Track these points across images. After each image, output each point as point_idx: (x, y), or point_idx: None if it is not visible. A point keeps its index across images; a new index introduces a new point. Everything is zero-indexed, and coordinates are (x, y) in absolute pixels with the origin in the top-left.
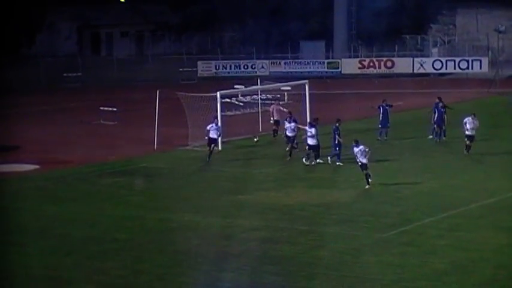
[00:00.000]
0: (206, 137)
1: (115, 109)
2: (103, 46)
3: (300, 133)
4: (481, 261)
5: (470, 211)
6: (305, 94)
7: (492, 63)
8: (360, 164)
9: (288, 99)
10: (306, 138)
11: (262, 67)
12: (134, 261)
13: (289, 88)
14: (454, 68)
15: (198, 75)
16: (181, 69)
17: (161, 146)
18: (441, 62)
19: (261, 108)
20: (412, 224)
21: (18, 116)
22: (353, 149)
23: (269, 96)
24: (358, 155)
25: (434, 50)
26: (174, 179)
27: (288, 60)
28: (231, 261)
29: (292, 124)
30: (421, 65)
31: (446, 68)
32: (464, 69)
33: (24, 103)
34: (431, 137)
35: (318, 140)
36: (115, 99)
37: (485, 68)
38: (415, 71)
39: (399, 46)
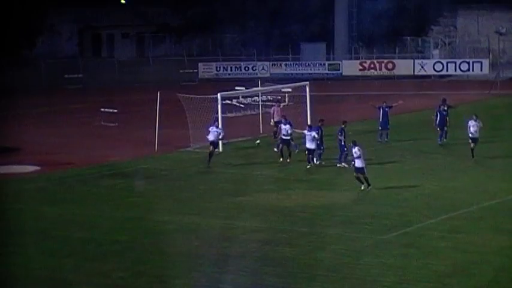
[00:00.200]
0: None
1: (116, 111)
2: (104, 48)
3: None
4: (481, 263)
5: (471, 213)
6: (306, 96)
7: (493, 65)
8: (354, 168)
9: (288, 101)
10: (305, 141)
11: (263, 69)
12: (135, 262)
13: (289, 90)
14: (455, 70)
15: (199, 76)
16: (182, 71)
17: (162, 148)
18: (442, 63)
19: (261, 110)
20: (413, 226)
21: (19, 117)
22: (351, 150)
23: (270, 97)
24: (354, 157)
25: (435, 52)
26: (174, 181)
27: (289, 62)
28: (231, 263)
29: (287, 126)
30: (422, 67)
31: (447, 70)
32: (465, 71)
33: (25, 105)
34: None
35: (321, 142)
36: (116, 100)
37: (486, 70)
38: (415, 73)
39: (400, 48)
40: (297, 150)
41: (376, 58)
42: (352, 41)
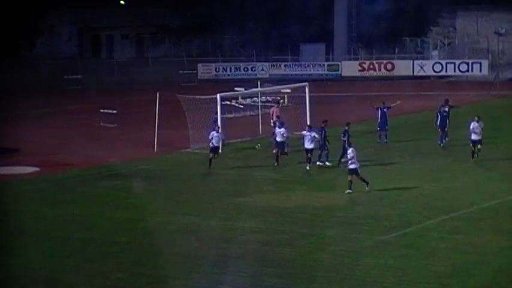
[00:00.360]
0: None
1: (115, 111)
2: (103, 48)
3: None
4: (481, 264)
5: (470, 214)
6: (305, 96)
7: (492, 66)
8: (348, 170)
9: (288, 102)
10: (304, 142)
11: (263, 69)
12: (134, 263)
13: (289, 90)
14: (454, 71)
15: (199, 77)
16: (181, 72)
17: (161, 149)
18: (441, 64)
19: (261, 111)
20: (413, 227)
21: (19, 118)
22: (345, 151)
23: (269, 98)
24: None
25: (434, 53)
26: (174, 182)
27: (288, 63)
28: (231, 263)
29: (282, 129)
30: (421, 68)
31: (446, 71)
32: (464, 72)
33: (25, 105)
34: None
35: (325, 142)
36: (115, 101)
37: (485, 70)
38: (415, 74)
39: (399, 49)
40: (289, 150)
41: (376, 59)
42: (351, 41)
